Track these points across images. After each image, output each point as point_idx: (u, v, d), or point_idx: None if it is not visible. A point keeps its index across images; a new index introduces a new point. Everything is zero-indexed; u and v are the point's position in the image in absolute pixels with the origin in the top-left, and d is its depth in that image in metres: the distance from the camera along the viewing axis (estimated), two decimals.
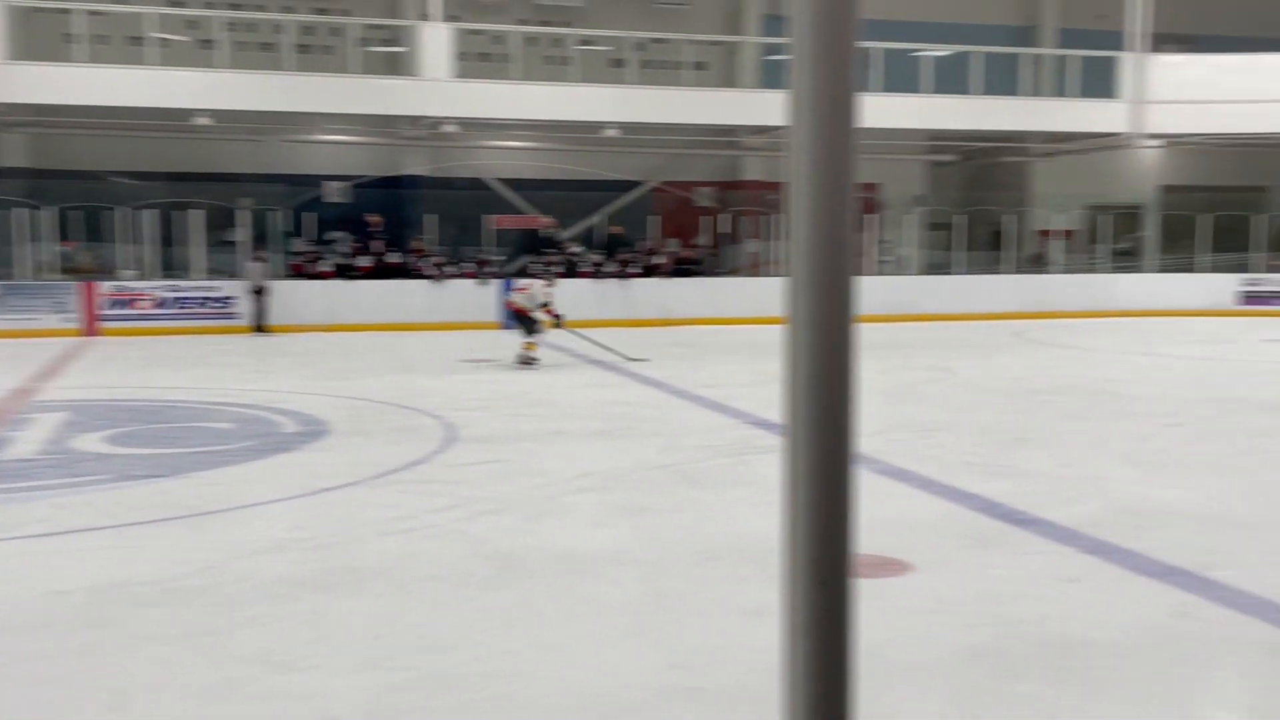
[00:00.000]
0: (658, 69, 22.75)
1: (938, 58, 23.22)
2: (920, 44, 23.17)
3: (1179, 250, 25.03)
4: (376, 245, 21.41)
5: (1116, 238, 25.43)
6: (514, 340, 15.37)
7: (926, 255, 24.79)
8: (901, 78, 22.59)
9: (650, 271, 21.74)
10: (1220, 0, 26.35)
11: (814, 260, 1.04)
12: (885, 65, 22.41)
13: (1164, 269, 24.83)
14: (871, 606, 5.59)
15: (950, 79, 23.04)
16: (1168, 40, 24.72)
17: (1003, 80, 23.57)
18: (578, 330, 15.94)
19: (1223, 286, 24.02)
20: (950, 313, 22.23)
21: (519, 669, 4.84)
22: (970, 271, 24.06)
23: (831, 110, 1.03)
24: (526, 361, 14.94)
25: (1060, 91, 23.78)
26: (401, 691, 4.59)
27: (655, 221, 23.46)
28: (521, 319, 15.02)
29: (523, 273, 19.33)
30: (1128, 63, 23.44)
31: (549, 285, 15.50)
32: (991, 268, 24.48)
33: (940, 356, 16.38)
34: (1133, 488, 8.24)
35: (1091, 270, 25.06)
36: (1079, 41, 24.43)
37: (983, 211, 25.10)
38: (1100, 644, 5.11)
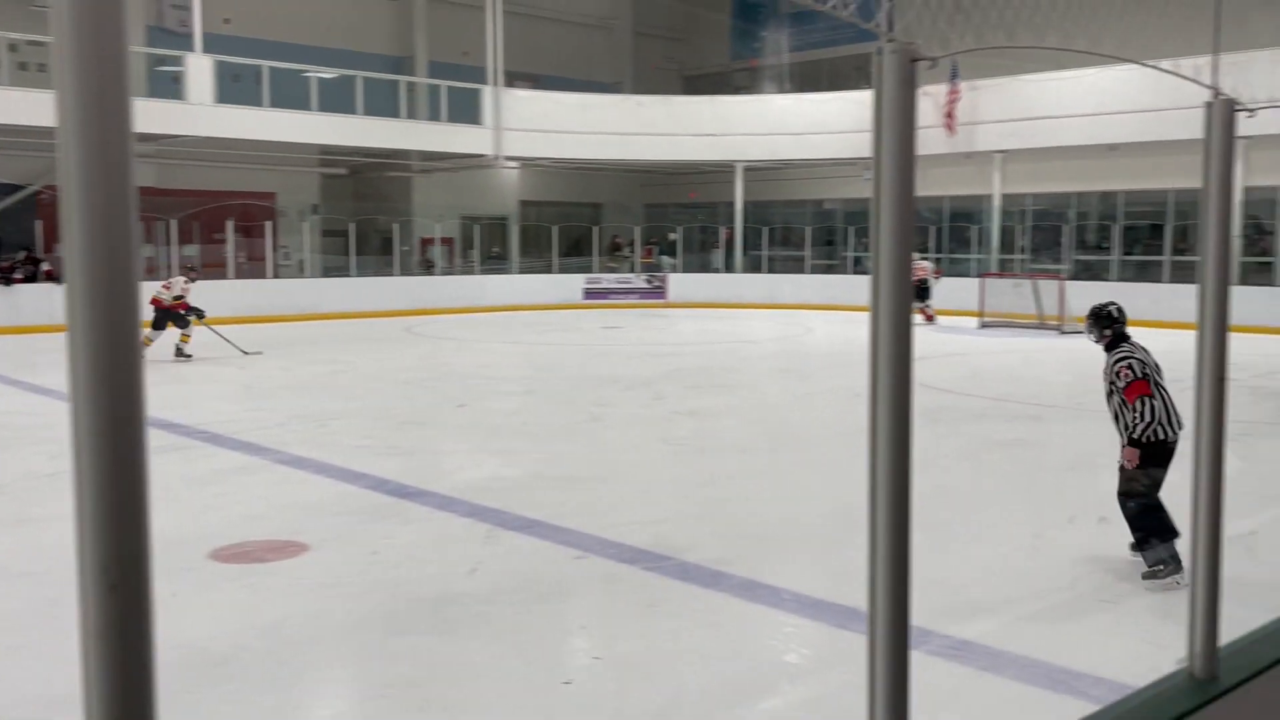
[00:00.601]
0: (37, 71, 20.06)
1: (325, 79, 22.93)
2: (308, 65, 22.73)
3: (537, 255, 27.01)
4: None
5: (487, 244, 26.85)
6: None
7: (323, 260, 24.45)
8: (292, 96, 22.01)
9: (34, 277, 19.19)
10: (558, 46, 28.78)
11: (92, 266, 0.93)
12: (275, 83, 21.70)
13: (526, 271, 26.62)
14: (269, 588, 5.40)
15: (337, 99, 22.86)
16: (519, 77, 26.53)
17: (384, 103, 23.85)
18: (209, 325, 15.01)
19: (572, 285, 26.30)
20: (349, 311, 22.12)
21: None
22: (364, 274, 24.11)
23: (100, 114, 0.92)
24: (184, 354, 14.57)
25: (434, 116, 24.56)
26: None
27: (42, 226, 20.73)
28: (170, 314, 14.48)
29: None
30: (488, 95, 24.80)
31: (188, 281, 14.79)
32: (384, 271, 24.72)
33: (340, 351, 16.23)
34: (500, 456, 8.73)
35: (468, 272, 26.22)
36: (447, 73, 25.37)
37: (373, 220, 25.27)
38: (474, 593, 5.35)
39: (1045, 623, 5.02)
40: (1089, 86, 20.75)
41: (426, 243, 26.31)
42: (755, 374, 14.58)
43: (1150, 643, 4.53)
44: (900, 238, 1.71)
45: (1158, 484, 5.38)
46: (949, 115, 23.14)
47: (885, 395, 1.75)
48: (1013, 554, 6.03)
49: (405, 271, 25.01)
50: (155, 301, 14.50)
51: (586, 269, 26.95)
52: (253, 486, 7.51)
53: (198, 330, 14.85)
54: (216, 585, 5.39)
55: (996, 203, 24.33)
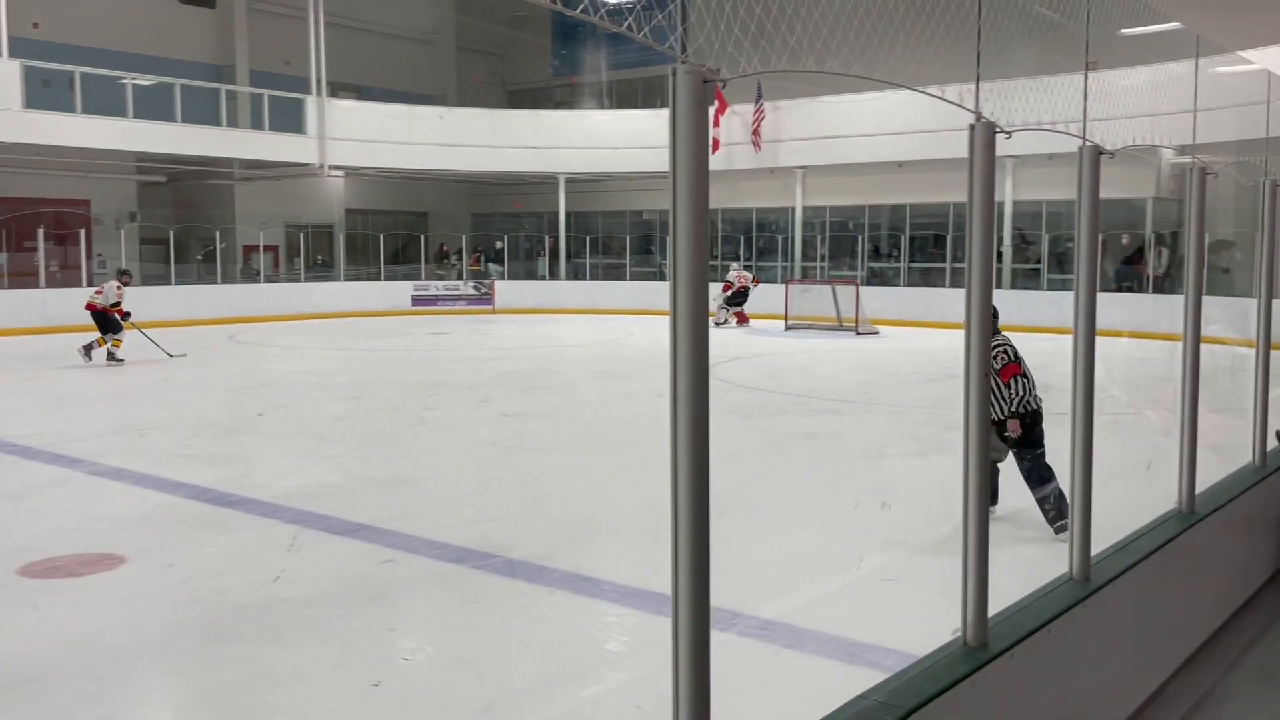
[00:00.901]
0: None
1: (142, 86, 21.63)
2: (123, 72, 21.39)
3: (364, 262, 26.24)
4: None
5: (313, 252, 25.92)
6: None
7: (142, 268, 23.04)
8: (106, 102, 20.67)
9: None
10: (381, 59, 28.08)
11: None
12: (88, 89, 20.33)
13: (353, 278, 25.82)
14: (82, 602, 5.05)
15: (155, 106, 21.60)
16: (343, 88, 25.75)
17: (205, 111, 22.67)
18: (139, 328, 14.89)
19: (399, 291, 25.68)
20: (170, 320, 20.89)
21: None
22: (185, 282, 22.86)
23: None
24: (116, 358, 14.35)
25: (257, 124, 23.54)
26: None
27: None
28: (104, 318, 14.21)
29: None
30: (311, 105, 23.97)
31: (120, 286, 14.55)
32: (207, 279, 23.51)
33: (160, 361, 15.32)
34: (325, 462, 8.44)
35: (293, 280, 25.24)
36: (269, 82, 24.36)
37: (195, 228, 24.00)
38: (299, 598, 5.14)
39: (840, 600, 5.22)
40: (876, 109, 21.74)
41: (250, 251, 25.18)
42: (578, 376, 14.61)
43: (930, 614, 4.77)
44: (696, 244, 1.73)
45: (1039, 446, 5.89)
46: (755, 133, 23.83)
47: (685, 390, 1.78)
48: (812, 538, 6.25)
49: (228, 280, 23.86)
50: (89, 306, 14.38)
51: (414, 276, 26.41)
52: (65, 499, 6.99)
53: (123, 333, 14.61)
54: (25, 601, 5.00)
55: (798, 214, 25.20)
